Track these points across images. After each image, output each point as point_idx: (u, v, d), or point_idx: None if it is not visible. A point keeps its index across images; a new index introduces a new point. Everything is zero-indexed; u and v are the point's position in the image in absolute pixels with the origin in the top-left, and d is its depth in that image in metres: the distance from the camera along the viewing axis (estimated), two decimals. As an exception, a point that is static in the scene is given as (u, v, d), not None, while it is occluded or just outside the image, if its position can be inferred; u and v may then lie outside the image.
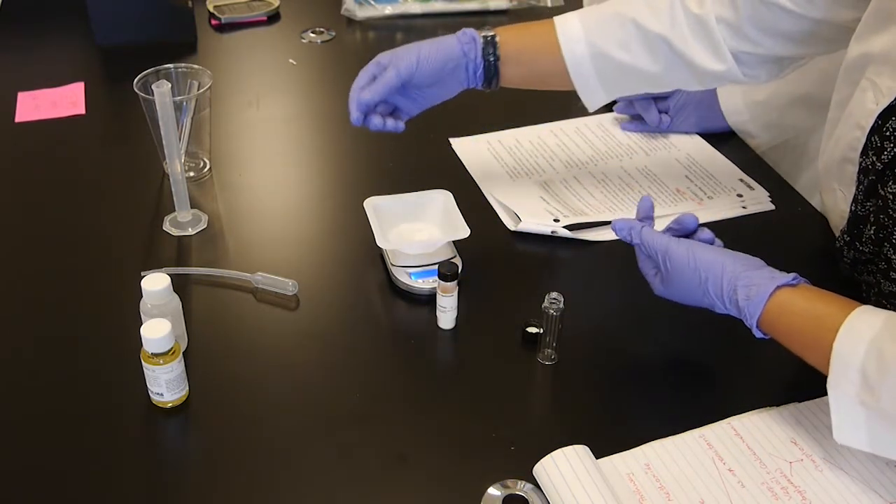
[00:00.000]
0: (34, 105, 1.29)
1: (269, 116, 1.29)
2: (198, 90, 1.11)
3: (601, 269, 1.02)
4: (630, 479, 0.76)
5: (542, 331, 0.87)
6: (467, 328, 0.92)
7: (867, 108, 0.85)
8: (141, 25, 1.44)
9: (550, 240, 1.04)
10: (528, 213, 1.06)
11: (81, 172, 1.16)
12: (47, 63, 1.41)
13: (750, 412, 0.82)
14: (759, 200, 1.11)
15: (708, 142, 1.23)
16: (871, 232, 0.87)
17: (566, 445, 0.75)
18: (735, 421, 0.82)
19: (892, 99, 0.82)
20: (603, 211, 1.08)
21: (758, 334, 0.79)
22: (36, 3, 1.56)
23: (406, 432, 0.81)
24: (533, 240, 1.04)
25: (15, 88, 1.32)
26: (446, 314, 0.91)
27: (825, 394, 0.84)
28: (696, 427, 0.81)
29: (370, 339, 0.91)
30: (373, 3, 1.58)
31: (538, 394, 0.87)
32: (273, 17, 1.56)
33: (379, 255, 1.00)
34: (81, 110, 1.28)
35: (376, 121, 0.98)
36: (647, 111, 1.23)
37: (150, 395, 0.82)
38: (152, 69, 1.10)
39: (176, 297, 0.85)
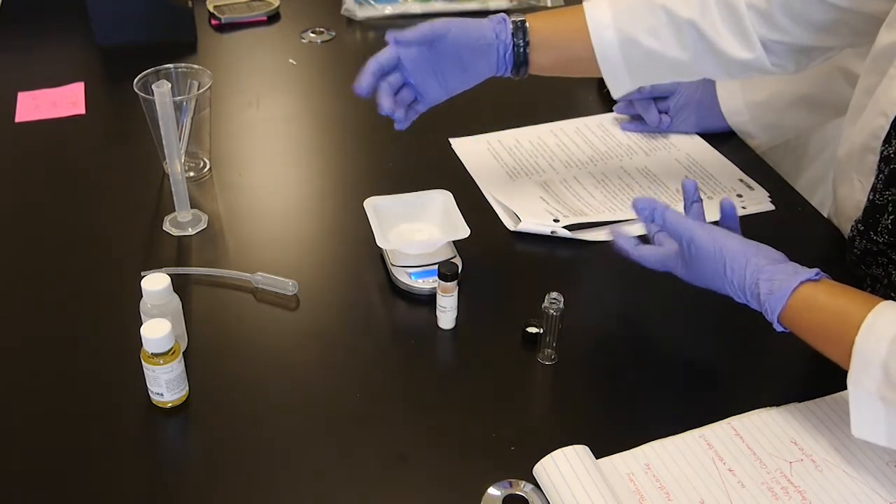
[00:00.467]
0: (34, 105, 1.29)
1: (269, 116, 1.29)
2: (198, 90, 1.11)
3: (601, 269, 1.02)
4: (630, 479, 0.76)
5: (542, 331, 0.87)
6: (467, 328, 0.92)
7: (894, 97, 0.85)
8: (141, 25, 1.44)
9: (550, 240, 1.04)
10: (528, 213, 1.06)
11: (81, 172, 1.16)
12: (47, 63, 1.41)
13: (750, 412, 0.82)
14: (759, 201, 1.11)
15: (708, 142, 1.23)
16: (889, 221, 0.87)
17: (566, 445, 0.75)
18: (735, 421, 0.82)
19: None
20: (603, 211, 1.08)
21: (778, 328, 0.79)
22: (36, 3, 1.56)
23: (406, 432, 0.81)
24: (533, 240, 1.04)
25: (15, 88, 1.32)
26: (446, 314, 0.91)
27: (825, 394, 0.84)
28: (696, 427, 0.81)
29: (370, 339, 0.91)
30: (373, 3, 1.58)
31: (538, 394, 0.87)
32: (273, 17, 1.56)
33: (379, 255, 1.00)
34: (81, 110, 1.28)
35: (385, 103, 0.96)
36: (647, 111, 1.23)
37: (150, 395, 0.82)
38: (152, 69, 1.10)
39: (176, 297, 0.85)
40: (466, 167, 1.17)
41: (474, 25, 0.99)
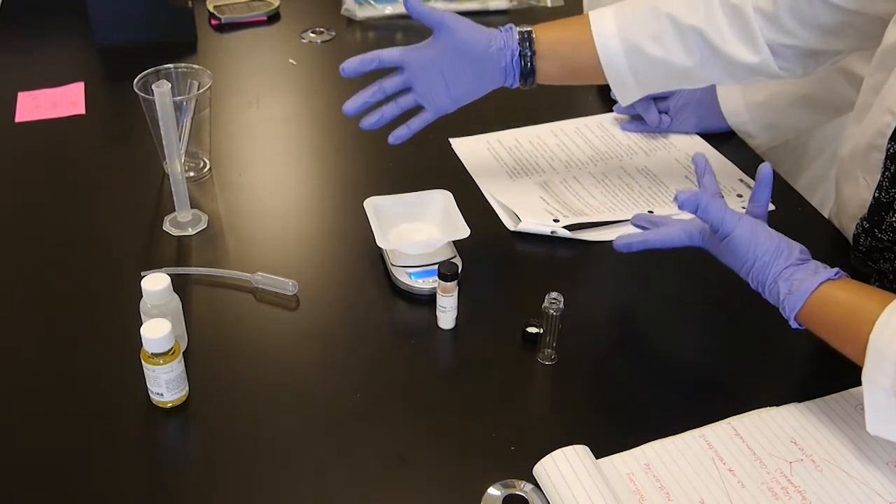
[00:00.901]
0: (34, 105, 1.29)
1: (269, 116, 1.29)
2: (198, 90, 1.11)
3: (601, 269, 1.02)
4: (630, 479, 0.76)
5: (542, 331, 0.87)
6: (467, 328, 0.92)
7: None
8: (141, 25, 1.44)
9: (550, 240, 1.04)
10: (528, 213, 1.06)
11: (81, 172, 1.16)
12: (47, 63, 1.41)
13: (750, 412, 0.82)
14: (759, 200, 1.11)
15: (708, 142, 1.23)
16: (894, 219, 0.87)
17: (566, 445, 0.75)
18: (735, 421, 0.82)
19: None
20: (603, 211, 1.08)
21: (794, 325, 0.80)
22: (36, 3, 1.56)
23: (406, 432, 0.81)
24: (533, 240, 1.04)
25: (15, 88, 1.32)
26: (446, 314, 0.91)
27: (825, 393, 0.84)
28: (696, 427, 0.81)
29: (370, 339, 0.91)
30: (373, 3, 1.58)
31: (538, 394, 0.87)
32: (273, 17, 1.56)
33: (379, 255, 1.00)
34: (81, 110, 1.28)
35: (359, 99, 1.01)
36: (647, 111, 1.23)
37: (150, 395, 0.82)
38: (152, 69, 1.10)
39: (176, 297, 0.85)
40: (466, 167, 1.17)
41: (482, 29, 0.99)
